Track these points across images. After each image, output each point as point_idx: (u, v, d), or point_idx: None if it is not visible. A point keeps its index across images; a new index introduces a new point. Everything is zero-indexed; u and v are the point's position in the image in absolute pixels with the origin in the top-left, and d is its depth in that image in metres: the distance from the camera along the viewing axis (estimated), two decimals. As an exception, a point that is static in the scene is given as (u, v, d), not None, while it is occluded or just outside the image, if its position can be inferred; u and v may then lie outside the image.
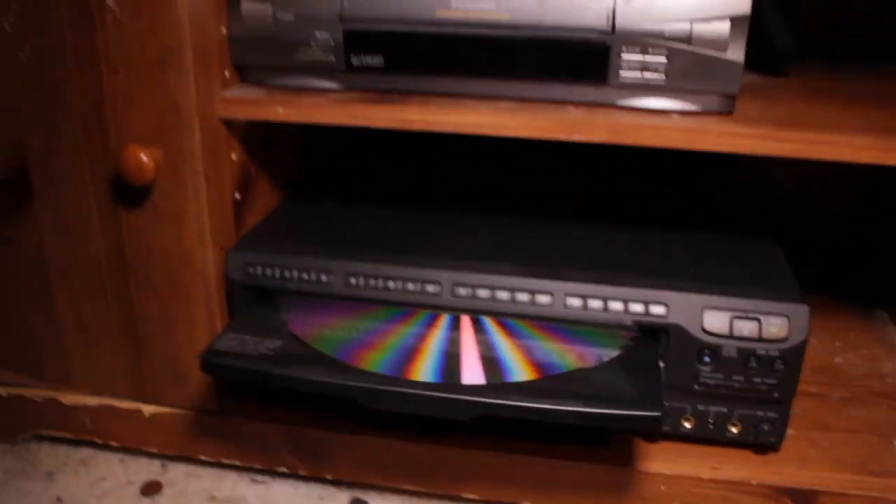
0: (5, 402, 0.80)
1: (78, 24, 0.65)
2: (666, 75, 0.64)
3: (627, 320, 0.66)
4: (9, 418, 0.81)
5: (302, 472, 0.75)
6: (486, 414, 0.60)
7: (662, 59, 0.63)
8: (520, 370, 0.63)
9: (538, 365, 0.64)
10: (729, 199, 0.88)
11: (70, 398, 0.79)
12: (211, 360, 0.65)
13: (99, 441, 0.80)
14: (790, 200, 1.03)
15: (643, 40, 0.63)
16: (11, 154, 0.70)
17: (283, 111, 0.68)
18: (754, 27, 0.64)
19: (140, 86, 0.66)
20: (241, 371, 0.64)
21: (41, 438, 0.83)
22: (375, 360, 0.65)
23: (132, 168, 0.66)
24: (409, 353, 0.65)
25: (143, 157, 0.66)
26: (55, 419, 0.80)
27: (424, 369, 0.64)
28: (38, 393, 0.79)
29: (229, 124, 0.71)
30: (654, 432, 0.71)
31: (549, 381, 0.62)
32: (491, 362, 0.64)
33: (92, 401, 0.78)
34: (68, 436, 0.80)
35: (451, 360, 0.65)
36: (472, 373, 0.63)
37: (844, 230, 1.05)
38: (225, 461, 0.77)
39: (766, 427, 0.67)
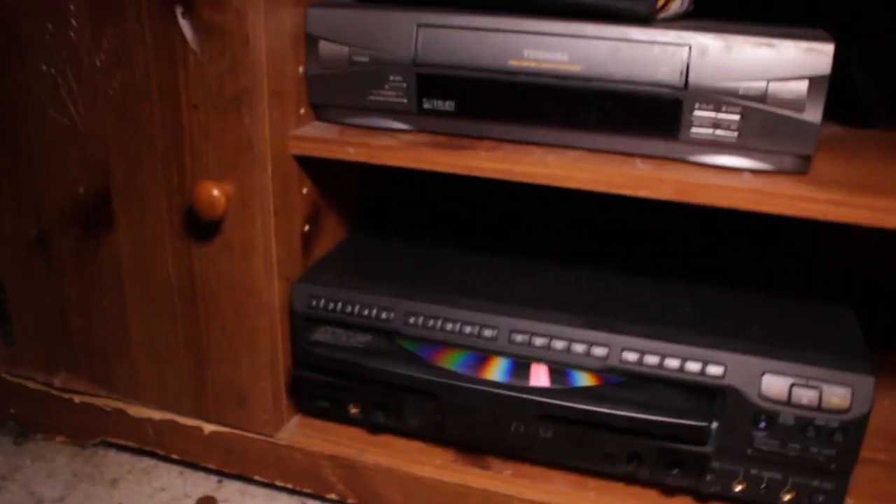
0: (77, 408, 0.84)
1: (162, 63, 0.67)
2: (739, 133, 0.63)
3: (684, 378, 0.65)
4: (80, 423, 0.85)
5: (350, 501, 0.77)
6: (548, 413, 0.66)
7: (736, 117, 0.62)
8: (583, 377, 0.68)
9: (600, 373, 0.68)
10: (805, 258, 0.85)
11: (136, 410, 0.82)
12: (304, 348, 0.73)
13: (161, 452, 0.83)
14: (875, 256, 0.99)
15: (716, 98, 0.62)
16: (98, 179, 0.74)
17: (354, 151, 0.69)
18: (841, 80, 0.62)
19: (216, 123, 0.68)
20: (334, 361, 0.72)
21: (108, 445, 0.86)
22: (454, 360, 0.71)
23: (204, 204, 0.68)
24: (484, 357, 0.71)
25: (215, 193, 0.68)
26: (122, 428, 0.83)
27: (497, 371, 0.69)
28: (107, 402, 0.83)
29: (302, 160, 0.73)
30: (700, 440, 0.68)
31: (608, 388, 0.67)
32: (557, 369, 0.69)
33: (156, 414, 0.81)
34: (133, 445, 0.84)
35: (520, 365, 0.70)
36: (538, 377, 0.69)
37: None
38: (278, 483, 0.79)
39: (821, 498, 0.65)
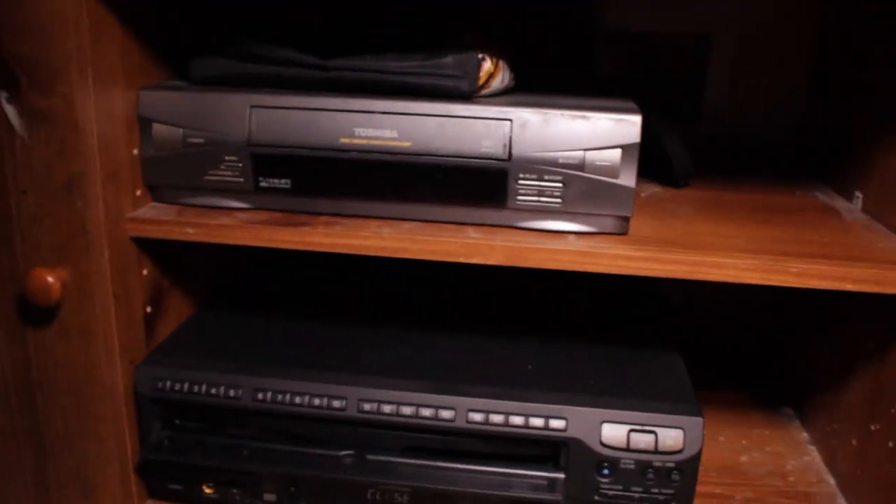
0: None
1: (-14, 148, 0.66)
2: (562, 199, 0.67)
3: (529, 433, 0.68)
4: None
5: (210, 588, 0.75)
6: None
7: (558, 185, 0.67)
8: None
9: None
10: (631, 308, 0.90)
11: (-25, 511, 0.78)
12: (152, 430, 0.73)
13: (3, 555, 0.78)
14: (697, 300, 1.06)
15: (538, 167, 0.66)
16: (-82, 271, 0.71)
17: (193, 231, 0.70)
18: (652, 146, 0.68)
19: (47, 208, 0.67)
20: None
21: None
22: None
23: (38, 291, 0.67)
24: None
25: (50, 279, 0.67)
26: (-40, 533, 0.78)
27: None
28: (-58, 506, 0.78)
29: (140, 242, 0.72)
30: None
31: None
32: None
33: (-2, 513, 0.77)
34: (-28, 549, 0.79)
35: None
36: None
37: (751, 328, 1.09)
38: (132, 576, 0.76)
39: (664, 537, 0.69)
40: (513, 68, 0.73)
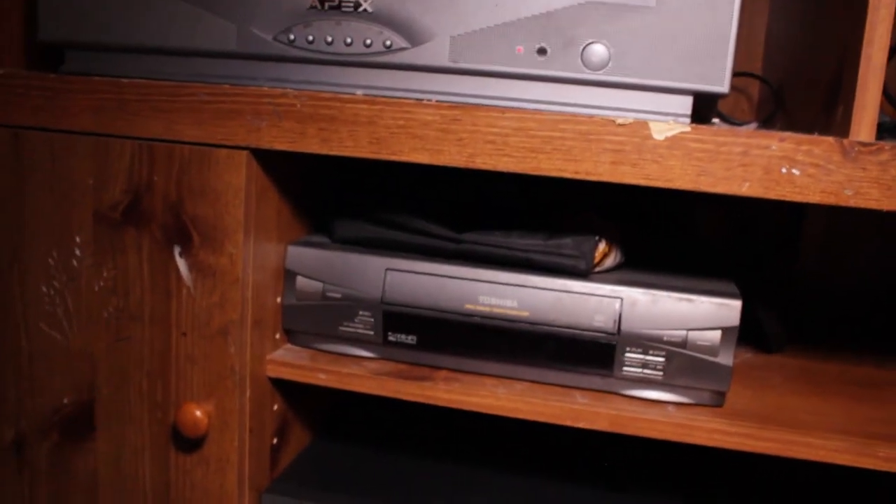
0: None
1: (157, 293, 0.75)
2: (664, 372, 0.73)
3: None
4: None
5: None
6: None
7: (661, 359, 0.73)
8: None
9: None
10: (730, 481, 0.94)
11: None
12: None
13: None
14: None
15: (644, 342, 0.73)
16: (83, 391, 0.80)
17: (325, 377, 0.77)
18: (749, 316, 0.73)
19: (202, 349, 0.75)
20: None
21: None
22: None
23: (188, 423, 0.75)
24: None
25: (198, 414, 0.75)
26: None
27: None
28: None
29: (275, 381, 0.80)
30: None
31: None
32: None
33: None
34: None
35: None
36: None
37: None
38: None
39: None
40: (621, 245, 0.80)
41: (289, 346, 0.82)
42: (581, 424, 0.72)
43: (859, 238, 1.06)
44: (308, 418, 0.91)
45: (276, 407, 0.82)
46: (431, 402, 0.75)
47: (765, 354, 0.89)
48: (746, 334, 0.90)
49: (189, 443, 0.77)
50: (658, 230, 0.99)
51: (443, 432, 0.99)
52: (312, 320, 0.80)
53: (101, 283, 0.77)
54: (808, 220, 1.06)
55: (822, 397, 0.78)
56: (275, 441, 0.83)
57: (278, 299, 0.80)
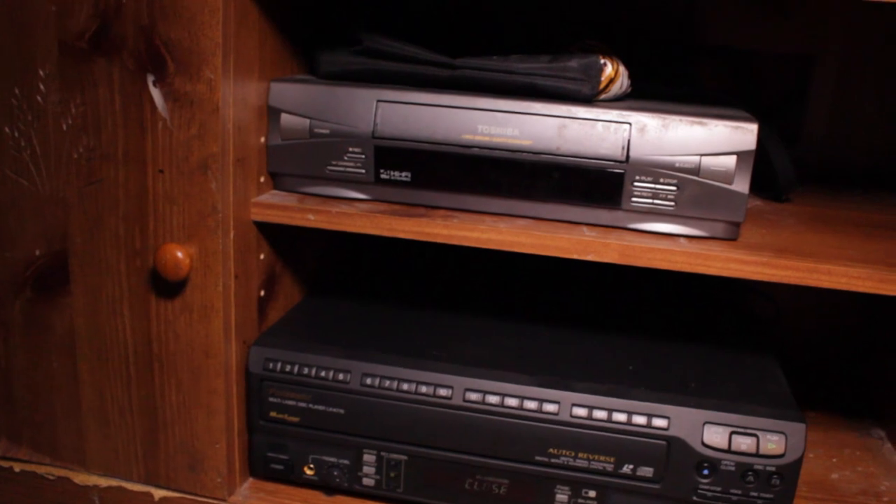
0: (17, 477, 0.82)
1: (130, 129, 0.70)
2: (675, 203, 0.69)
3: (630, 430, 0.69)
4: (19, 494, 0.83)
5: (305, 566, 0.77)
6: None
7: (672, 188, 0.68)
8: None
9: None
10: (732, 317, 0.92)
11: (82, 478, 0.81)
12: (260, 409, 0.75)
13: (106, 523, 0.81)
14: (791, 318, 1.07)
15: (655, 170, 0.68)
16: (55, 240, 0.74)
17: (314, 218, 0.73)
18: (758, 157, 0.69)
19: (182, 187, 0.70)
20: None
21: (49, 517, 0.84)
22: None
23: (169, 265, 0.70)
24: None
25: (180, 255, 0.70)
26: (65, 498, 0.81)
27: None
28: (50, 471, 0.81)
29: (261, 227, 0.75)
30: None
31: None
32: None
33: (103, 482, 0.80)
34: (77, 515, 0.82)
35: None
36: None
37: (844, 349, 1.09)
38: (229, 549, 0.79)
39: (761, 542, 0.69)
40: (630, 75, 0.75)
41: (274, 191, 0.77)
42: (589, 257, 0.68)
43: (868, 95, 1.01)
44: (297, 274, 0.87)
45: (262, 256, 0.78)
46: (429, 238, 0.70)
47: (774, 202, 0.85)
48: (753, 183, 0.85)
49: (170, 287, 0.72)
50: (660, 79, 0.94)
51: (438, 285, 0.96)
52: (299, 161, 0.75)
53: (70, 121, 0.71)
54: (817, 73, 1.01)
55: (838, 235, 0.75)
56: (262, 293, 0.79)
57: (262, 139, 0.75)
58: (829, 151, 1.03)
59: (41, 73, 0.71)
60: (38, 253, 0.76)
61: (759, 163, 0.82)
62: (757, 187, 0.86)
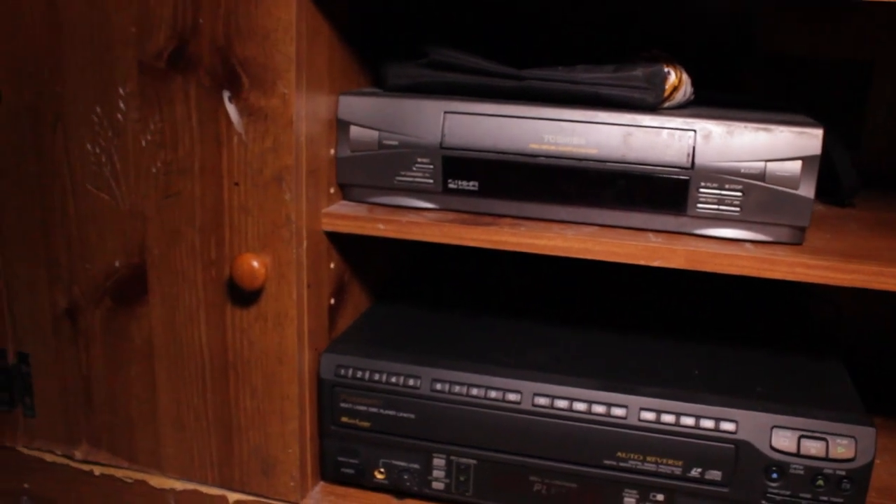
0: (97, 480, 0.85)
1: (207, 143, 0.72)
2: (740, 208, 0.69)
3: (699, 434, 0.70)
4: (98, 497, 0.86)
5: (376, 569, 0.79)
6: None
7: (738, 194, 0.69)
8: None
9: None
10: (796, 321, 0.92)
11: (159, 481, 0.83)
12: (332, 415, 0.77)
13: (182, 525, 0.84)
14: (853, 322, 1.06)
15: (720, 176, 0.69)
16: (134, 252, 0.77)
17: (384, 227, 0.74)
18: (822, 162, 0.70)
19: (256, 199, 0.72)
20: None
21: (127, 520, 0.87)
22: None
23: (245, 274, 0.72)
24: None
25: (255, 264, 0.72)
26: (142, 500, 0.84)
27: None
28: (128, 474, 0.84)
29: (331, 237, 0.78)
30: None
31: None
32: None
33: (179, 485, 0.83)
34: (154, 518, 0.85)
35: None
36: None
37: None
38: (301, 552, 0.81)
39: (832, 546, 0.70)
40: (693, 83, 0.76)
41: (344, 202, 0.80)
42: (657, 263, 0.69)
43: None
44: (365, 282, 0.89)
45: (332, 265, 0.80)
46: (497, 246, 0.72)
47: (837, 208, 0.85)
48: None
49: (246, 296, 0.75)
50: (722, 87, 0.95)
51: (505, 293, 0.97)
52: (368, 172, 0.77)
53: (149, 138, 0.74)
54: (875, 78, 1.01)
55: (903, 240, 0.75)
56: (332, 301, 0.81)
57: (332, 151, 0.77)
58: (889, 157, 1.03)
59: (121, 91, 0.74)
60: (117, 265, 0.79)
61: (821, 168, 0.82)
62: (819, 192, 0.86)
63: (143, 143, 0.75)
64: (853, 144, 1.01)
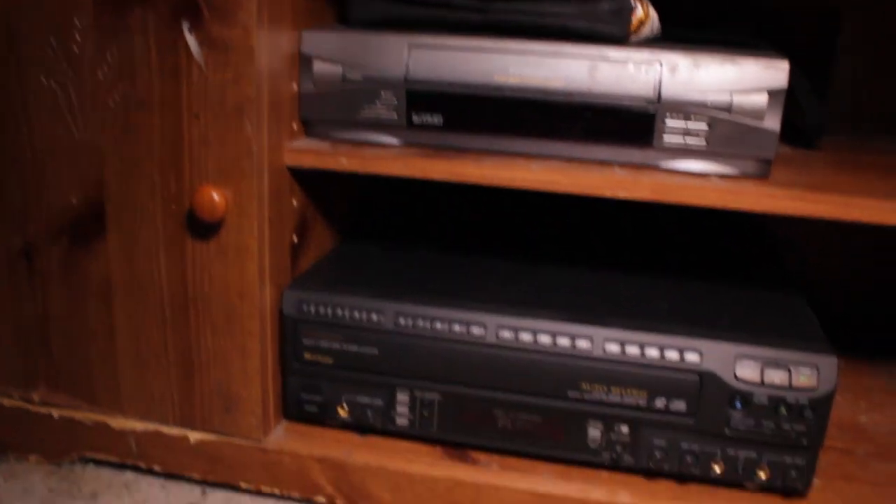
0: (56, 423, 0.84)
1: (166, 75, 0.71)
2: (707, 141, 0.69)
3: (663, 365, 0.70)
4: (57, 439, 0.84)
5: (339, 503, 0.78)
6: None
7: (704, 126, 0.69)
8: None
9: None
10: (761, 260, 0.93)
11: (119, 422, 0.82)
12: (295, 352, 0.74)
13: (143, 465, 0.83)
14: (816, 269, 1.08)
15: (686, 109, 0.69)
16: (91, 188, 0.76)
17: (347, 161, 0.73)
18: (787, 103, 0.70)
19: (217, 131, 0.71)
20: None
21: (86, 461, 0.86)
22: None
23: (205, 206, 0.71)
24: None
25: (216, 196, 0.71)
26: (102, 442, 0.83)
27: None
28: (88, 416, 0.83)
29: (294, 172, 0.76)
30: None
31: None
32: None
33: (140, 426, 0.82)
34: (113, 459, 0.83)
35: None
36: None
37: (869, 298, 1.09)
38: (265, 489, 0.80)
39: (793, 473, 0.70)
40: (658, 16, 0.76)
41: (306, 139, 0.78)
42: (622, 194, 0.69)
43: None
44: (331, 222, 0.88)
45: (295, 202, 0.79)
46: (462, 179, 0.71)
47: (803, 149, 0.86)
48: (782, 132, 0.86)
49: (206, 229, 0.73)
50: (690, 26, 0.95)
51: (471, 230, 0.98)
52: (331, 107, 0.75)
53: (106, 70, 0.72)
54: (844, 28, 1.01)
55: (869, 176, 0.75)
56: (295, 239, 0.80)
57: (294, 86, 0.76)
58: (857, 106, 1.03)
59: (77, 22, 0.72)
60: (74, 201, 0.77)
61: (788, 112, 0.82)
62: (786, 136, 0.87)
63: (100, 76, 0.73)
64: (820, 93, 1.02)
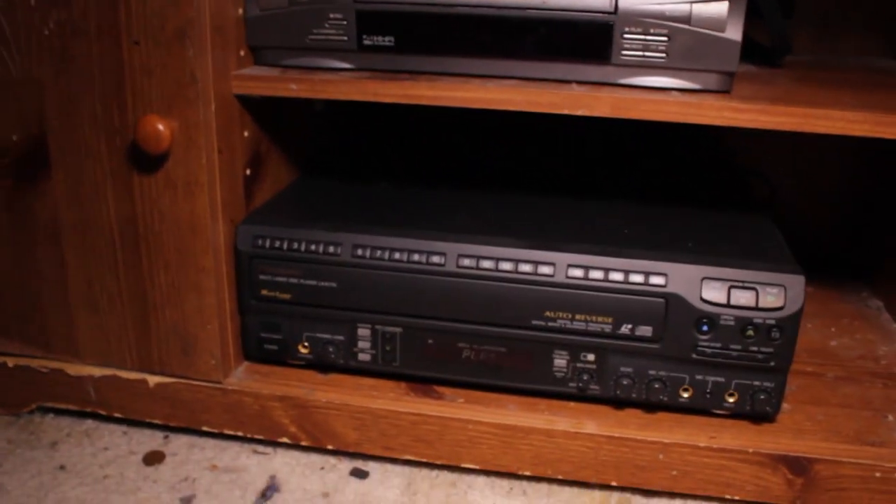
0: (11, 372, 0.81)
1: (102, 0, 0.67)
2: (666, 54, 0.67)
3: (628, 289, 0.68)
4: (14, 389, 0.82)
5: (303, 443, 0.77)
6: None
7: (663, 39, 0.66)
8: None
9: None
10: (725, 183, 0.91)
11: (76, 369, 0.80)
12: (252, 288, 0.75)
13: (103, 412, 0.81)
14: (785, 198, 1.06)
15: (644, 20, 0.66)
16: (31, 124, 0.72)
17: (297, 87, 0.71)
18: (749, 20, 0.67)
19: (159, 58, 0.68)
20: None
21: (45, 410, 0.84)
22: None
23: (149, 138, 0.68)
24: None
25: (160, 127, 0.68)
26: (60, 390, 0.81)
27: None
28: (43, 364, 0.81)
29: (243, 101, 0.73)
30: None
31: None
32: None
33: (97, 371, 0.79)
34: (72, 407, 0.81)
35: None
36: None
37: (838, 225, 1.08)
38: (227, 431, 0.78)
39: (762, 397, 0.69)
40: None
41: (255, 66, 0.75)
42: (581, 111, 0.67)
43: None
44: (287, 155, 0.85)
45: (246, 133, 0.76)
46: (416, 101, 0.68)
47: (766, 68, 0.83)
48: (745, 51, 0.84)
49: (152, 162, 0.71)
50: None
51: (430, 160, 0.95)
52: (279, 31, 0.72)
53: (39, -4, 0.69)
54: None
55: (832, 90, 0.73)
56: (248, 172, 0.77)
57: (239, 11, 0.72)
58: (822, 27, 1.01)
59: (6, -56, 0.68)
60: (15, 138, 0.74)
61: (749, 28, 0.80)
62: (750, 57, 0.84)
63: (33, 2, 0.69)
64: (785, 10, 0.99)
